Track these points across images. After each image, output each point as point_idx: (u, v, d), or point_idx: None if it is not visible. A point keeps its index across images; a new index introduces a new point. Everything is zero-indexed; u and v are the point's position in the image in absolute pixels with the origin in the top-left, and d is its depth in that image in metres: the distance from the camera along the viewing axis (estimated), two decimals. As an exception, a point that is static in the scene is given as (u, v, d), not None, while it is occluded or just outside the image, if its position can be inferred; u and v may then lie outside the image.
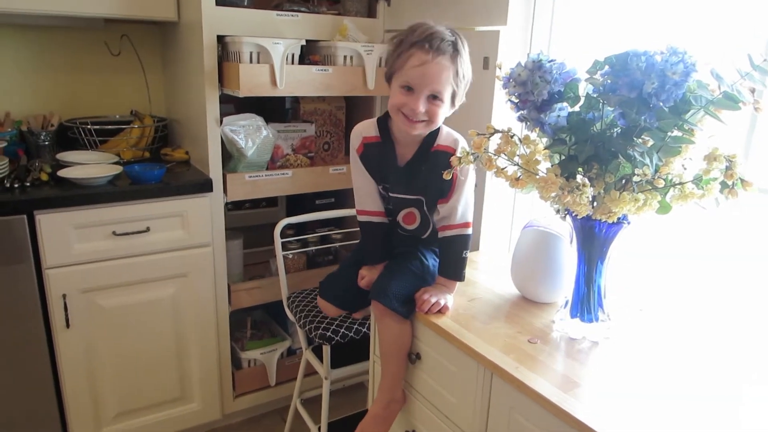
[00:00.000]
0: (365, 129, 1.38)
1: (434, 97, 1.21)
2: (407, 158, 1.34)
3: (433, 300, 1.28)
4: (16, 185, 1.63)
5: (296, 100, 2.08)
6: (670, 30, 1.30)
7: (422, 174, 1.18)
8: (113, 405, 1.84)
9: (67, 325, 1.68)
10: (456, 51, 1.20)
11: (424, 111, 1.21)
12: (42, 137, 1.91)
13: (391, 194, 1.38)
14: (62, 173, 1.70)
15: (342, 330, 1.67)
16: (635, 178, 0.97)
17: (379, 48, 1.88)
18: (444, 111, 1.24)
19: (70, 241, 1.64)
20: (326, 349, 1.71)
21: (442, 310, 1.28)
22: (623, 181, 1.04)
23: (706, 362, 1.13)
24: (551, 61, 1.01)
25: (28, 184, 1.64)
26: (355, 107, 2.20)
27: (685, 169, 1.04)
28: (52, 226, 1.60)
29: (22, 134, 1.92)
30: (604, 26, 1.45)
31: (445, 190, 1.31)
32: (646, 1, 1.35)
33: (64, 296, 1.66)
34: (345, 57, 1.88)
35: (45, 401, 1.73)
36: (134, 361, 1.83)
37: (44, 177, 1.69)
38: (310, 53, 1.94)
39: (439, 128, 1.32)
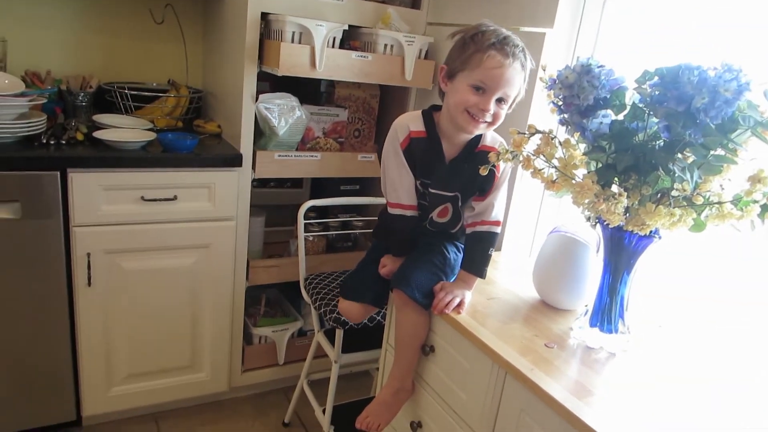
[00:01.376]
0: (412, 122, 1.34)
1: (501, 100, 1.23)
2: (452, 156, 1.34)
3: (449, 298, 1.28)
4: (52, 142, 1.65)
5: (332, 84, 2.09)
6: (720, 46, 1.28)
7: (465, 172, 1.19)
8: (125, 366, 1.87)
9: (89, 284, 1.71)
10: (526, 59, 1.24)
11: (492, 112, 1.23)
12: (80, 98, 1.93)
13: (430, 190, 1.37)
14: (98, 134, 1.72)
15: (357, 316, 1.68)
16: (674, 193, 0.96)
17: (420, 39, 1.88)
18: (506, 111, 1.26)
19: (99, 201, 1.67)
20: (339, 333, 1.72)
21: (457, 308, 1.28)
22: (659, 194, 1.04)
23: (724, 384, 1.12)
24: (600, 66, 1.00)
25: (63, 142, 1.67)
26: (389, 97, 2.20)
27: (722, 189, 1.03)
28: (83, 185, 1.63)
29: (60, 93, 1.95)
30: (652, 36, 1.43)
31: (485, 188, 1.33)
32: (696, 16, 1.33)
33: (88, 255, 1.69)
34: (385, 45, 1.87)
35: (60, 355, 1.76)
36: (149, 326, 1.86)
37: (80, 137, 1.72)
38: (350, 39, 1.94)
39: (483, 134, 1.34)
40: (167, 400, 2.00)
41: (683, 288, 1.43)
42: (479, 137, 1.33)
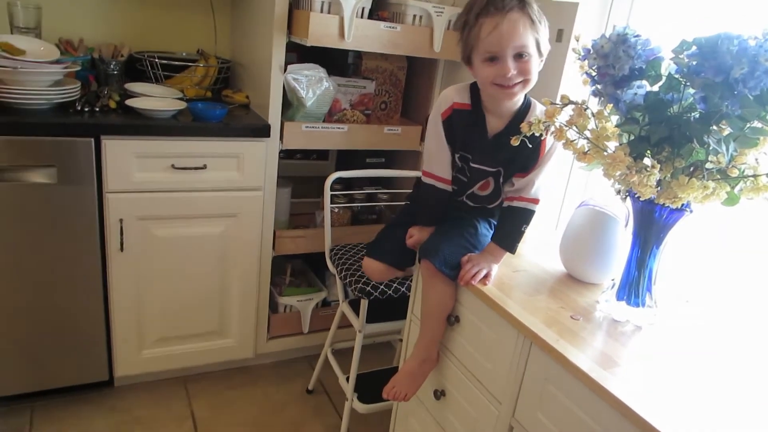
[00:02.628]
0: (457, 94, 1.32)
1: (520, 56, 1.18)
2: (496, 130, 1.31)
3: (475, 270, 1.28)
4: (86, 109, 1.69)
5: (359, 55, 2.08)
6: (762, 14, 1.24)
7: (509, 147, 1.15)
8: (156, 329, 1.93)
9: (122, 249, 1.76)
10: (523, 3, 1.17)
11: (516, 72, 1.18)
12: (112, 66, 1.96)
13: (472, 164, 1.35)
14: (130, 102, 1.75)
15: (381, 286, 1.70)
16: (708, 165, 0.95)
17: (449, 10, 1.86)
18: (535, 64, 1.21)
19: (131, 168, 1.70)
20: (364, 303, 1.75)
21: (484, 279, 1.28)
22: (692, 167, 1.02)
23: (750, 357, 1.12)
24: (636, 36, 0.99)
25: (97, 109, 1.70)
26: (416, 70, 2.18)
27: (758, 163, 1.01)
28: (116, 152, 1.67)
29: (93, 61, 1.98)
30: (690, 4, 1.39)
31: (528, 164, 1.30)
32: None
33: (120, 221, 1.73)
34: (414, 16, 1.86)
35: (94, 318, 1.82)
36: (179, 291, 1.91)
37: (112, 104, 1.75)
38: (379, 9, 1.92)
39: (531, 104, 1.30)
40: (195, 364, 2.06)
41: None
42: (527, 110, 1.29)
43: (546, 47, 1.22)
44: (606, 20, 1.55)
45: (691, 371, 1.05)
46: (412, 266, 1.51)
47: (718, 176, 0.99)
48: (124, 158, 1.68)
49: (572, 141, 1.03)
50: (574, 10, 1.54)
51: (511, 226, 1.33)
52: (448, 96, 1.34)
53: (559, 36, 1.58)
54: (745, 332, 1.22)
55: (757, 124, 0.97)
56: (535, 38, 1.18)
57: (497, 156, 1.32)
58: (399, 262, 1.47)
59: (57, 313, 1.76)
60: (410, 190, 1.60)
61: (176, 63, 2.05)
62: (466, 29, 1.22)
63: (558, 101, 1.04)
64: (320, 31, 1.71)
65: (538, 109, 1.29)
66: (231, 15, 2.25)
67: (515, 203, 1.33)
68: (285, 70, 1.82)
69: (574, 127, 1.02)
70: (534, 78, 1.22)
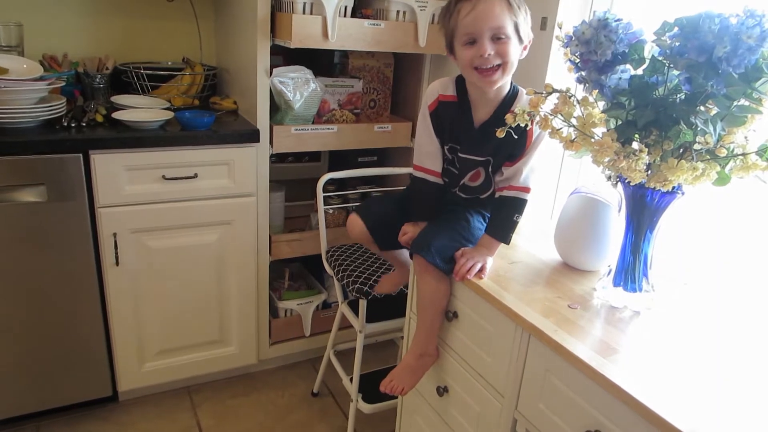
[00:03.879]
0: (442, 86, 1.35)
1: (498, 38, 1.18)
2: (483, 120, 1.32)
3: (470, 264, 1.28)
4: (72, 125, 1.68)
5: (345, 54, 2.07)
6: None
7: (497, 136, 1.13)
8: (156, 342, 1.92)
9: (117, 263, 1.75)
10: None
11: (494, 53, 1.18)
12: (97, 79, 1.95)
13: (460, 155, 1.36)
14: (117, 115, 1.74)
15: (379, 285, 1.69)
16: (696, 146, 0.94)
17: (433, 4, 1.85)
18: (514, 48, 1.20)
19: (121, 182, 1.69)
20: (362, 303, 1.74)
21: (479, 273, 1.28)
22: (681, 149, 1.02)
23: (749, 338, 1.11)
24: (618, 20, 0.98)
25: (84, 124, 1.69)
26: (403, 66, 2.18)
27: (747, 141, 1.01)
28: (105, 167, 1.66)
29: (78, 76, 1.97)
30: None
31: (516, 153, 1.30)
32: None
33: (114, 235, 1.72)
34: (398, 12, 1.85)
35: (94, 333, 1.81)
36: (178, 302, 1.91)
37: (99, 118, 1.74)
38: (362, 7, 1.91)
39: (518, 92, 1.30)
40: (199, 373, 2.05)
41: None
42: (512, 100, 1.30)
43: (527, 34, 1.23)
44: (590, 6, 1.54)
45: (691, 355, 1.04)
46: (391, 251, 1.52)
47: (708, 157, 0.99)
48: (114, 172, 1.67)
49: (558, 129, 1.02)
50: (556, -2, 1.54)
51: (503, 217, 1.32)
52: (433, 89, 1.36)
53: (543, 24, 1.57)
54: (743, 313, 1.22)
55: (743, 101, 0.96)
56: (513, 21, 1.19)
57: (485, 145, 1.32)
58: (379, 233, 1.47)
59: (57, 331, 1.76)
60: (404, 188, 1.59)
61: (162, 73, 2.04)
62: (446, 18, 1.24)
63: (542, 90, 1.03)
64: (303, 32, 1.70)
65: (525, 97, 1.29)
66: (215, 21, 2.24)
67: (505, 192, 1.32)
68: (271, 74, 1.81)
69: (560, 116, 1.01)
70: (512, 62, 1.22)
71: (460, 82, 1.33)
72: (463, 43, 1.21)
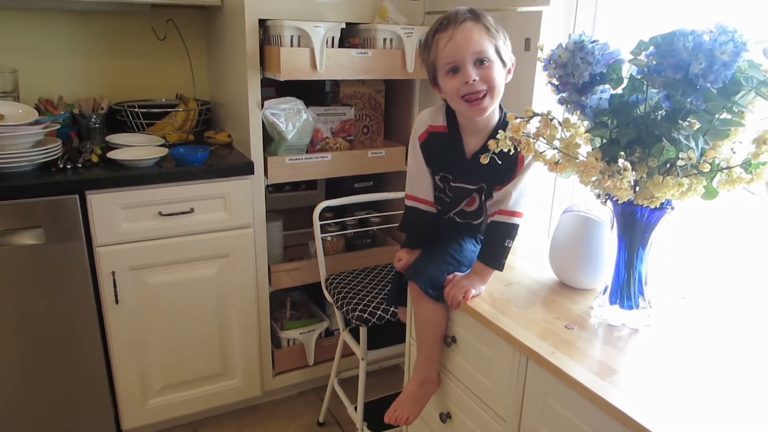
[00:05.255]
0: (431, 117, 1.35)
1: (481, 62, 1.19)
2: (474, 149, 1.31)
3: (454, 291, 1.27)
4: (68, 166, 1.70)
5: (336, 83, 2.09)
6: (723, 9, 1.24)
7: (489, 164, 1.13)
8: (159, 378, 1.92)
9: (116, 301, 1.76)
10: (475, 14, 1.20)
11: (479, 79, 1.18)
12: (92, 120, 1.98)
13: (452, 184, 1.35)
14: (111, 155, 1.76)
15: (378, 312, 1.69)
16: (679, 162, 0.94)
17: (419, 30, 1.87)
18: (498, 71, 1.21)
19: (118, 220, 1.71)
20: (363, 331, 1.73)
21: (462, 300, 1.27)
22: (668, 165, 1.02)
23: (751, 352, 1.09)
24: (594, 41, 0.98)
25: (80, 165, 1.71)
26: (394, 91, 2.19)
27: (734, 152, 1.00)
28: (102, 206, 1.67)
29: (74, 117, 1.99)
30: (653, 5, 1.40)
31: (506, 178, 1.29)
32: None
33: (113, 273, 1.73)
34: (385, 40, 1.87)
35: (96, 372, 1.81)
36: (179, 337, 1.90)
37: (95, 158, 1.76)
38: (350, 36, 1.94)
39: (508, 121, 1.29)
40: (203, 408, 2.04)
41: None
42: (504, 127, 1.26)
43: (509, 57, 1.23)
44: (573, 25, 1.56)
45: (691, 372, 1.03)
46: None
47: (694, 172, 0.98)
48: (110, 211, 1.69)
49: (542, 152, 1.03)
50: (538, 18, 1.55)
51: (494, 242, 1.31)
52: (422, 120, 1.35)
53: (527, 45, 1.58)
54: (744, 326, 1.20)
55: (726, 115, 0.96)
56: (493, 44, 1.19)
57: (477, 174, 1.32)
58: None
59: (59, 370, 1.76)
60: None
61: (156, 110, 2.07)
62: (426, 49, 1.25)
63: (524, 114, 1.04)
64: (292, 64, 1.73)
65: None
66: (206, 57, 2.27)
67: (496, 218, 1.31)
68: (262, 106, 1.83)
69: (542, 138, 1.01)
70: (499, 86, 1.21)
71: (450, 111, 1.32)
72: (445, 73, 1.21)
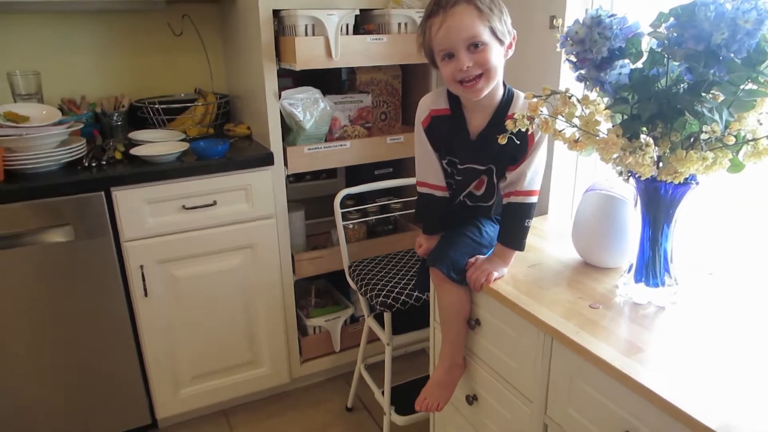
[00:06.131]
0: (433, 101, 1.33)
1: (475, 46, 1.16)
2: (479, 129, 1.29)
3: (476, 274, 1.27)
4: (93, 164, 1.73)
5: (352, 70, 2.09)
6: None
7: (496, 144, 1.09)
8: (190, 368, 1.96)
9: (146, 294, 1.80)
10: None
11: (473, 64, 1.16)
12: (114, 118, 2.01)
13: (460, 166, 1.34)
14: (134, 151, 1.79)
15: (402, 297, 1.70)
16: (703, 136, 0.92)
17: (433, 13, 1.85)
18: (495, 54, 1.18)
19: (144, 215, 1.74)
20: (387, 316, 1.74)
21: (485, 283, 1.26)
22: (691, 139, 1.00)
23: (783, 327, 1.08)
24: (611, 16, 0.96)
25: (104, 162, 1.74)
26: (411, 75, 2.18)
27: (760, 124, 0.98)
28: (127, 202, 1.70)
29: (96, 116, 2.03)
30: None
31: (518, 156, 1.27)
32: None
33: (141, 267, 1.77)
34: (399, 24, 1.86)
35: (129, 365, 1.86)
36: (207, 328, 1.94)
37: (118, 155, 1.79)
38: (364, 22, 1.93)
39: (514, 96, 1.28)
40: (234, 396, 2.08)
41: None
42: (509, 105, 1.27)
43: (507, 33, 1.20)
44: (591, 2, 1.53)
45: (719, 349, 1.01)
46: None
47: (718, 145, 0.96)
48: (136, 206, 1.72)
49: (561, 131, 1.01)
50: (562, -6, 1.52)
51: (513, 224, 1.30)
52: (424, 104, 1.34)
53: (552, 22, 1.55)
54: (775, 298, 1.18)
55: (751, 85, 0.94)
56: (487, 27, 1.15)
57: (484, 155, 1.30)
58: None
59: (93, 364, 1.81)
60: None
61: (176, 105, 2.09)
62: (421, 35, 1.23)
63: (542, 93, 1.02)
64: (307, 54, 1.73)
65: (521, 101, 1.27)
66: (223, 50, 2.28)
67: (512, 199, 1.30)
68: (280, 97, 1.84)
69: (561, 117, 1.00)
70: (494, 67, 1.18)
71: (452, 93, 1.30)
72: (441, 59, 1.20)
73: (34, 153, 1.65)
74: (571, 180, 1.72)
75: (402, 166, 2.28)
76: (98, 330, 1.78)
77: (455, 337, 1.36)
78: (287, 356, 2.11)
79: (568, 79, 1.55)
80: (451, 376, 1.40)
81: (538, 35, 1.60)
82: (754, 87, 0.94)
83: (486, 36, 1.16)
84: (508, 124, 1.02)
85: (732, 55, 0.87)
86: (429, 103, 1.33)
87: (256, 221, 1.91)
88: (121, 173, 1.70)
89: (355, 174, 2.31)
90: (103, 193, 1.67)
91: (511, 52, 1.23)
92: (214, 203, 1.82)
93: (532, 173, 1.28)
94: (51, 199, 1.61)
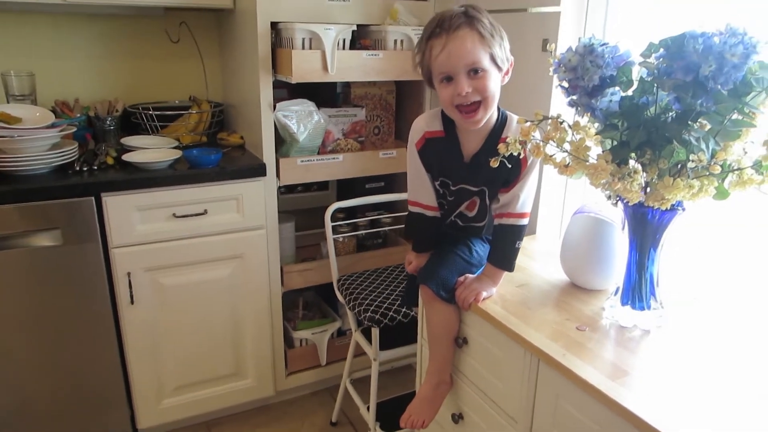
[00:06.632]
0: (428, 122, 1.32)
1: (474, 72, 1.17)
2: (473, 151, 1.29)
3: (465, 293, 1.28)
4: (84, 168, 1.72)
5: (347, 84, 2.10)
6: (735, 8, 1.24)
7: (489, 166, 1.10)
8: (174, 378, 1.94)
9: (132, 302, 1.78)
10: (470, 17, 1.16)
11: (472, 90, 1.16)
12: (108, 122, 2.00)
13: (452, 187, 1.34)
14: (126, 157, 1.78)
15: (390, 313, 1.70)
16: (690, 164, 0.94)
17: (429, 31, 1.87)
18: (493, 80, 1.18)
19: (133, 221, 1.73)
20: (375, 331, 1.74)
21: (476, 299, 1.27)
22: (678, 166, 1.01)
23: (764, 354, 1.09)
24: (603, 44, 0.98)
25: (95, 167, 1.74)
26: (405, 91, 2.20)
27: (746, 152, 1.00)
28: (117, 208, 1.70)
29: (89, 119, 2.02)
30: (662, 4, 1.39)
31: (511, 179, 1.28)
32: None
33: (128, 274, 1.76)
34: (395, 41, 1.88)
35: (112, 373, 1.84)
36: (193, 338, 1.93)
37: (110, 161, 1.79)
38: (361, 38, 1.95)
39: (507, 119, 1.28)
40: (217, 408, 2.06)
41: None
42: (502, 127, 1.28)
43: (505, 60, 1.20)
44: (583, 27, 1.55)
45: (704, 374, 1.02)
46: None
47: (705, 173, 0.98)
48: (126, 213, 1.71)
49: (551, 156, 1.03)
50: (556, 19, 1.54)
51: (504, 245, 1.31)
52: (418, 126, 1.34)
53: (545, 46, 1.58)
54: (757, 326, 1.19)
55: (737, 116, 0.96)
56: (488, 53, 1.16)
57: (477, 177, 1.31)
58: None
59: (75, 372, 1.79)
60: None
61: (169, 112, 2.09)
62: (420, 53, 1.23)
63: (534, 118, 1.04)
64: (304, 67, 1.74)
65: (514, 125, 1.27)
66: (219, 59, 2.29)
67: (504, 220, 1.31)
68: (274, 108, 1.85)
69: (552, 142, 1.01)
70: (493, 95, 1.19)
71: (446, 114, 1.29)
72: (439, 81, 1.20)
73: (25, 155, 1.64)
74: (560, 201, 1.74)
75: (394, 181, 2.29)
76: (82, 336, 1.76)
77: (444, 355, 1.36)
78: (272, 368, 2.10)
79: (560, 101, 1.57)
80: (438, 393, 1.40)
81: (531, 57, 1.62)
82: (740, 117, 0.96)
83: (486, 62, 1.16)
84: (500, 147, 1.03)
85: (719, 86, 0.89)
86: (423, 125, 1.33)
87: (246, 231, 1.91)
88: (112, 179, 1.69)
89: (347, 187, 2.32)
90: (93, 198, 1.66)
91: (507, 79, 1.24)
92: (205, 212, 1.82)
93: (525, 196, 1.29)
94: (40, 202, 1.60)
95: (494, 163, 1.06)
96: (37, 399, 1.76)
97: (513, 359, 1.20)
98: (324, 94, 2.14)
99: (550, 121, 1.02)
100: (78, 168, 1.72)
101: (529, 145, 1.02)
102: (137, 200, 1.72)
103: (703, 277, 1.38)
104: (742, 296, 1.30)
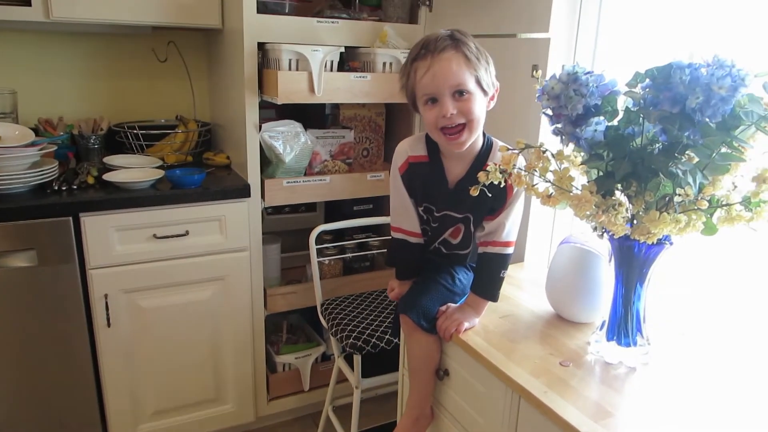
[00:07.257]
0: (411, 146, 1.30)
1: (460, 94, 1.15)
2: (458, 177, 1.27)
3: (446, 324, 1.24)
4: (63, 188, 1.68)
5: (336, 106, 2.08)
6: (724, 37, 1.22)
7: (475, 195, 1.08)
8: (151, 403, 1.88)
9: (108, 324, 1.73)
10: (455, 40, 1.15)
11: (456, 112, 1.14)
12: (92, 141, 1.97)
13: (436, 214, 1.31)
14: (107, 177, 1.75)
15: (373, 340, 1.65)
16: (677, 198, 0.91)
17: (419, 54, 1.85)
18: (478, 103, 1.16)
19: (112, 242, 1.69)
20: (357, 359, 1.69)
21: (457, 330, 1.23)
22: (666, 199, 0.98)
23: (753, 392, 1.05)
24: (588, 73, 0.96)
25: (75, 186, 1.70)
26: (395, 113, 2.18)
27: (735, 187, 0.97)
28: (96, 228, 1.65)
29: (73, 137, 1.99)
30: (653, 32, 1.37)
31: (496, 207, 1.25)
32: (697, 8, 1.27)
33: (105, 296, 1.71)
34: (384, 63, 1.86)
35: (86, 396, 1.78)
36: (172, 361, 1.87)
37: (90, 180, 1.75)
38: (350, 59, 1.93)
39: (493, 145, 1.26)
40: (196, 434, 2.00)
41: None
42: (487, 153, 1.26)
43: (491, 85, 1.19)
44: (573, 54, 1.54)
45: (690, 415, 0.98)
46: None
47: (693, 207, 0.95)
48: (104, 233, 1.67)
49: (534, 185, 1.00)
50: (546, 45, 1.52)
51: (488, 274, 1.28)
52: (402, 150, 1.31)
53: (534, 71, 1.56)
54: (745, 363, 1.16)
55: (725, 149, 0.93)
56: (473, 75, 1.14)
57: (462, 204, 1.27)
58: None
59: (49, 395, 1.73)
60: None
61: (155, 132, 2.06)
62: (405, 75, 1.21)
63: (515, 146, 1.01)
64: (290, 88, 1.72)
65: (500, 153, 1.24)
66: (207, 78, 2.27)
67: (489, 249, 1.28)
68: (260, 129, 1.82)
69: (535, 171, 0.98)
70: (478, 118, 1.17)
71: (431, 139, 1.27)
72: (424, 103, 1.18)
73: (3, 174, 1.60)
74: (548, 228, 1.70)
75: (382, 203, 2.25)
76: (57, 359, 1.71)
77: (424, 386, 1.32)
78: (254, 393, 2.05)
79: (548, 128, 1.55)
80: (418, 426, 1.35)
81: (520, 83, 1.60)
82: (729, 151, 0.93)
83: (471, 85, 1.15)
84: (481, 176, 1.00)
85: (707, 119, 0.86)
86: (407, 149, 1.30)
87: (229, 253, 1.86)
88: (91, 198, 1.65)
89: (335, 208, 2.28)
90: (71, 218, 1.62)
91: (492, 104, 1.22)
92: (186, 233, 1.78)
93: (510, 224, 1.26)
94: (16, 222, 1.56)
95: (474, 192, 1.03)
96: (9, 423, 1.70)
97: (494, 394, 1.15)
98: (313, 116, 2.12)
99: (533, 149, 0.99)
100: (57, 187, 1.68)
101: (510, 174, 0.98)
102: (116, 220, 1.68)
103: (689, 310, 1.34)
104: (729, 330, 1.27)
